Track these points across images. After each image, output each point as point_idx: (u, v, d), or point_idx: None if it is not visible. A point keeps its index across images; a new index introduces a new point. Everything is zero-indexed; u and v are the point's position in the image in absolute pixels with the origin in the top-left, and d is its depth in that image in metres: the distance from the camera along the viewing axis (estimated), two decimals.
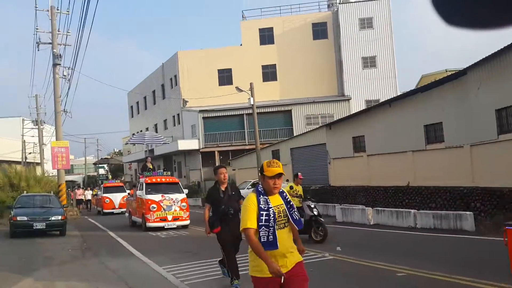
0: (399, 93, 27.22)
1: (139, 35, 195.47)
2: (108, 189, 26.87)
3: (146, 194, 15.82)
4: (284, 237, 3.55)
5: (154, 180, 16.57)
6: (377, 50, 37.35)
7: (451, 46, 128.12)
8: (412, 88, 21.74)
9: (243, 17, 42.12)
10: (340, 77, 38.41)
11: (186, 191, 17.08)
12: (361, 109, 27.35)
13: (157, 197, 15.61)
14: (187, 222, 15.82)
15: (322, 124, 28.73)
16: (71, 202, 30.85)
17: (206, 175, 37.01)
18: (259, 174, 3.79)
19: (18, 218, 14.33)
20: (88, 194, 32.44)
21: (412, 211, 13.41)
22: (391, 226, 13.56)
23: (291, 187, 11.18)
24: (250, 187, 26.86)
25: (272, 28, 40.31)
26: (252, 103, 25.03)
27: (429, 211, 13.26)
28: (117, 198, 25.97)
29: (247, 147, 35.08)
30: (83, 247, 12.33)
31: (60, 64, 23.73)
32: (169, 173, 18.17)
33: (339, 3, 39.17)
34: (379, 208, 15.03)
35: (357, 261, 8.65)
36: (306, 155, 26.18)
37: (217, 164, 36.54)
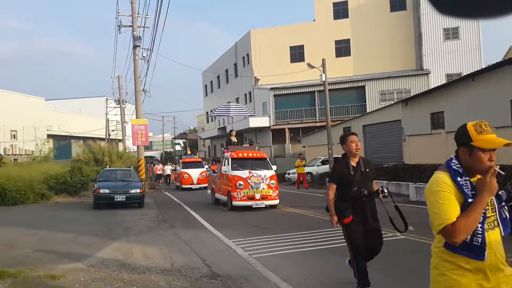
0: (483, 66, 25.29)
1: (214, 16, 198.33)
2: (187, 165, 26.50)
3: (232, 170, 14.61)
4: (496, 243, 2.37)
5: (240, 155, 15.26)
6: (460, 20, 34.79)
7: None
8: (498, 61, 20.09)
9: None
10: (418, 50, 36.41)
11: (274, 167, 15.84)
12: (441, 83, 25.79)
13: (244, 173, 14.37)
14: (276, 201, 14.56)
15: (397, 100, 27.56)
16: (150, 176, 32.37)
17: (276, 152, 37.25)
18: (462, 144, 2.47)
19: (101, 191, 15.38)
20: (168, 169, 32.50)
21: None
22: None
23: None
24: (320, 164, 26.62)
25: (346, 1, 38.97)
26: (323, 79, 24.55)
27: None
28: (195, 173, 25.71)
29: (317, 124, 34.67)
30: (159, 219, 12.98)
31: (139, 46, 24.65)
32: (256, 147, 16.41)
33: None
34: None
35: (428, 241, 8.27)
36: (379, 132, 25.35)
37: (295, 139, 36.40)
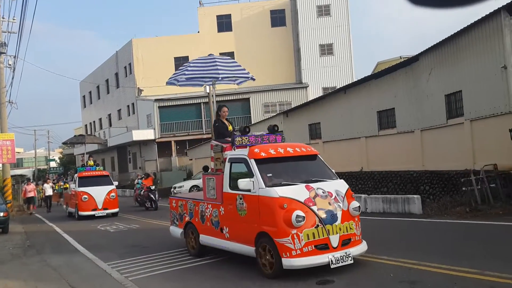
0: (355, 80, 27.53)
1: (92, 23, 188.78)
2: (86, 181, 18.66)
3: (266, 185, 6.63)
4: None
5: (273, 152, 7.12)
6: (334, 37, 37.58)
7: (408, 33, 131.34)
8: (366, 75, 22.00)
9: (200, 3, 41.31)
10: (298, 64, 38.50)
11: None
12: (318, 96, 27.47)
13: (299, 191, 6.56)
14: (364, 247, 6.90)
15: (279, 112, 28.70)
16: (19, 198, 29.06)
17: (162, 165, 36.33)
18: None
19: None
20: (48, 189, 24.75)
21: (362, 195, 13.56)
22: None
23: None
24: None
25: (230, 15, 39.80)
26: (208, 91, 24.57)
27: (379, 196, 13.44)
28: (100, 193, 18.22)
29: (204, 136, 34.64)
30: (25, 245, 11.73)
31: (4, 53, 23.05)
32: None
33: None
34: None
35: None
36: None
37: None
